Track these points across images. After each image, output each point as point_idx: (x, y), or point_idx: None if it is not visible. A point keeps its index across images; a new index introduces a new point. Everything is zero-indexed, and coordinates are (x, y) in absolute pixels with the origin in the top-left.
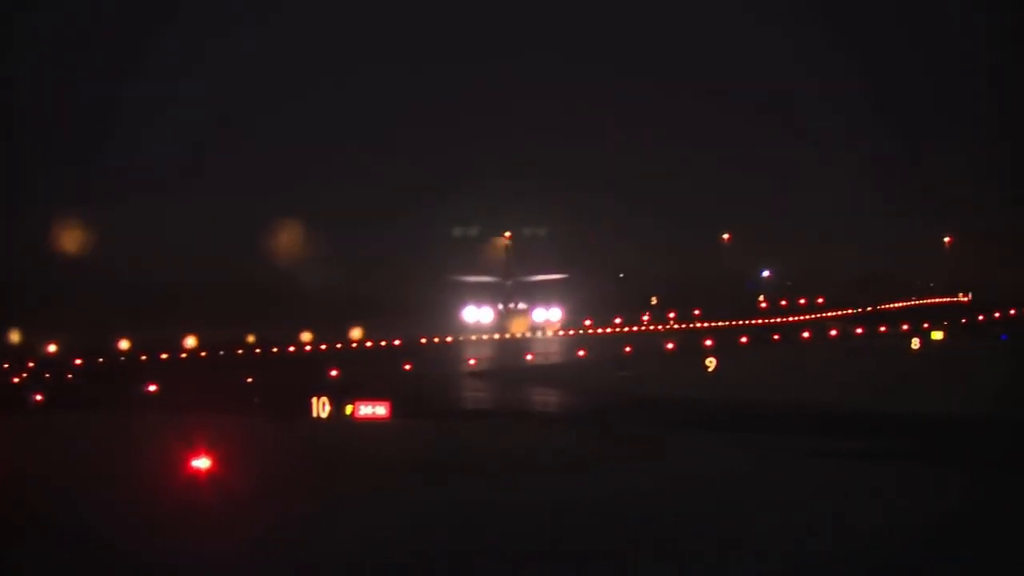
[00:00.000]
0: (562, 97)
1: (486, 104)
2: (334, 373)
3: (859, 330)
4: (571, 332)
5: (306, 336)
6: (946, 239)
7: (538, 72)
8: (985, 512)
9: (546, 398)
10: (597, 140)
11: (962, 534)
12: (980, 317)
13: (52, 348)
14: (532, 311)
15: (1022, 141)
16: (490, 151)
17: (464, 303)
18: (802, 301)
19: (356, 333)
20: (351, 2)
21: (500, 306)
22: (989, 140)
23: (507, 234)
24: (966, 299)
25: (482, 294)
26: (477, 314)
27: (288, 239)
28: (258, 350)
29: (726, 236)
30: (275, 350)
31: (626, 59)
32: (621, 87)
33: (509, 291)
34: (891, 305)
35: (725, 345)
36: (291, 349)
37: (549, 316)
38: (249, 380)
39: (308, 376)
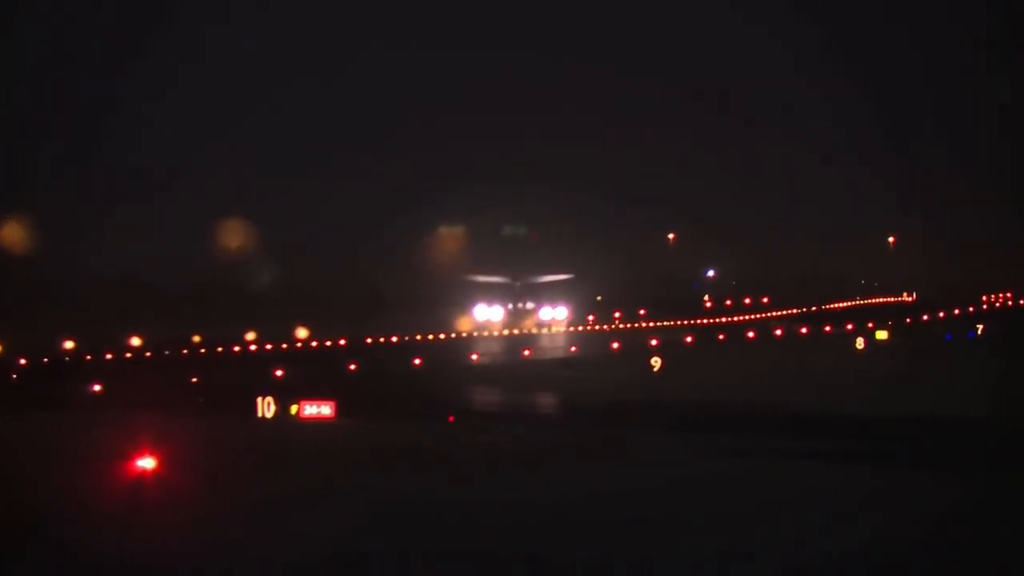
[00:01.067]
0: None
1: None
2: (279, 373)
3: (804, 330)
4: (515, 332)
5: (251, 335)
6: (890, 239)
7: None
8: (935, 512)
9: (488, 398)
10: (544, 139)
11: (916, 534)
12: (924, 317)
13: None
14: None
15: (964, 141)
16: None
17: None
18: (747, 301)
19: (302, 332)
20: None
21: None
22: (932, 140)
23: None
24: (911, 299)
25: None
26: (488, 312)
27: (235, 238)
28: (203, 350)
29: (671, 236)
30: (220, 349)
31: (585, 55)
32: (578, 84)
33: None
34: (836, 305)
35: (670, 345)
36: (236, 349)
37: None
38: (194, 380)
39: (254, 376)
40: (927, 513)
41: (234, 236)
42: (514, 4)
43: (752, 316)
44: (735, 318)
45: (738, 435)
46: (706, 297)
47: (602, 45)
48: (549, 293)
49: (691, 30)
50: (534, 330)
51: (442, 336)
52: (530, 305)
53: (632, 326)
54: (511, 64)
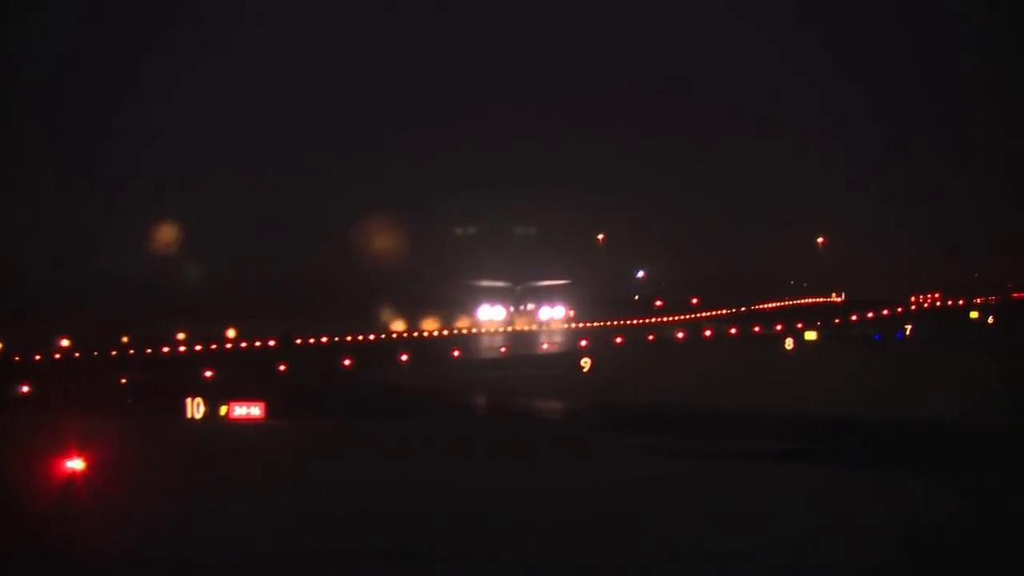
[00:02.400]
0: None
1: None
2: (209, 374)
3: (733, 330)
4: (446, 332)
5: (182, 336)
6: (819, 240)
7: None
8: (860, 507)
9: (418, 398)
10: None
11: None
12: (853, 317)
13: None
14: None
15: (894, 143)
16: None
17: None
18: (676, 302)
19: (231, 333)
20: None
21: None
22: (863, 141)
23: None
24: (840, 299)
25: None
26: (491, 312)
27: (169, 237)
28: (132, 350)
29: (600, 236)
30: (149, 350)
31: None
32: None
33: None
34: (765, 305)
35: (600, 345)
36: (165, 350)
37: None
38: (123, 380)
39: (183, 376)
40: (859, 509)
41: (165, 235)
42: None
43: (681, 316)
44: (664, 319)
45: (664, 435)
46: (636, 297)
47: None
48: (547, 295)
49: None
50: (465, 331)
51: (372, 337)
52: (530, 306)
53: (564, 327)
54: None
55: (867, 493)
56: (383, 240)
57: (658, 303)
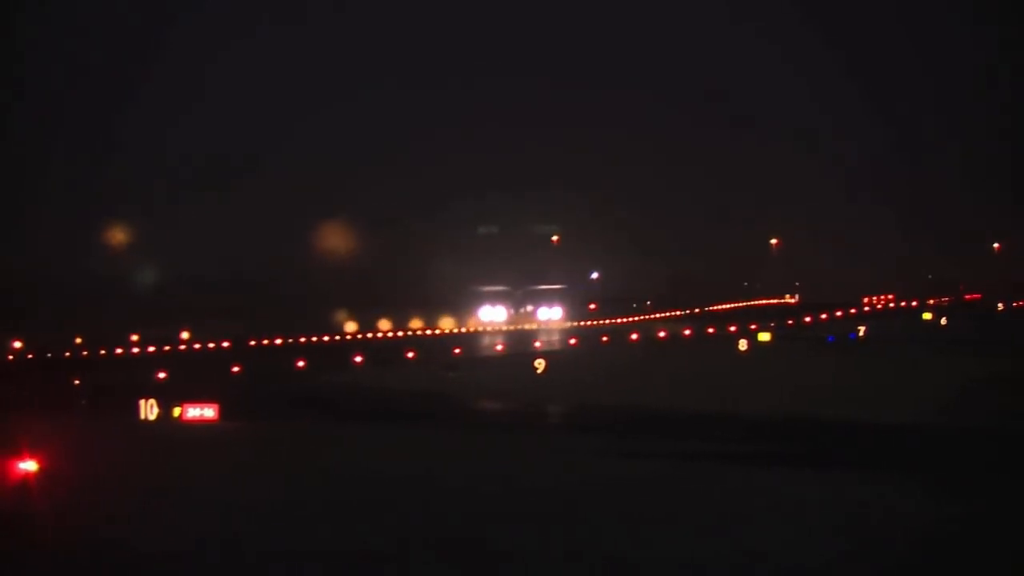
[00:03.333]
0: None
1: None
2: (162, 375)
3: (687, 331)
4: (400, 334)
5: (135, 337)
6: (773, 241)
7: None
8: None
9: (373, 400)
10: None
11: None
12: (807, 319)
13: None
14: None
15: (848, 143)
16: None
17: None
18: (631, 303)
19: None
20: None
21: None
22: (817, 141)
23: None
24: (793, 301)
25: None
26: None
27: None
28: (86, 351)
29: (555, 238)
30: (103, 351)
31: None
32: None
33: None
34: (719, 306)
35: (555, 346)
36: (119, 351)
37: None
38: (76, 381)
39: (136, 378)
40: (818, 510)
41: (117, 236)
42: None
43: (635, 318)
44: (619, 320)
45: (623, 436)
46: (591, 303)
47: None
48: (545, 297)
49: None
50: (419, 333)
51: (326, 338)
52: (530, 307)
53: (518, 328)
54: None
55: (828, 494)
56: (341, 241)
57: (592, 306)
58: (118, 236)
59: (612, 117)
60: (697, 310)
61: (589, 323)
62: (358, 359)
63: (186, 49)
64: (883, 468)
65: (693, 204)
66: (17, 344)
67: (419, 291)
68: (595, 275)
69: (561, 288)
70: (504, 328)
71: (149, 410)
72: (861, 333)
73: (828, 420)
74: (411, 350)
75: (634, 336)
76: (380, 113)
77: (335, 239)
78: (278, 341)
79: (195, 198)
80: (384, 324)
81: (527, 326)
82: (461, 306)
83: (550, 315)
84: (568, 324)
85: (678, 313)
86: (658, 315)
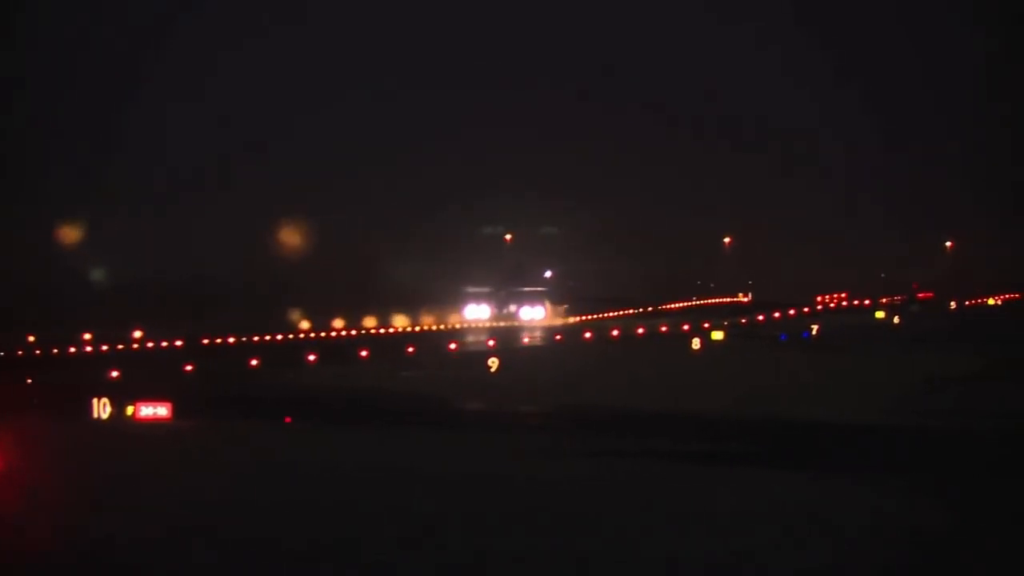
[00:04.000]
0: None
1: None
2: (115, 374)
3: (640, 330)
4: (353, 332)
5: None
6: (726, 239)
7: None
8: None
9: (327, 400)
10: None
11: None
12: (760, 317)
13: None
14: None
15: (800, 142)
16: None
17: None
18: (583, 301)
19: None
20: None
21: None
22: (768, 139)
23: None
24: (746, 299)
25: None
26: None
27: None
28: (38, 350)
29: (508, 236)
30: (55, 350)
31: None
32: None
33: None
34: (672, 305)
35: (507, 345)
36: (71, 350)
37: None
38: (28, 380)
39: (89, 377)
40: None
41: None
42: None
43: (589, 316)
44: (571, 319)
45: (569, 435)
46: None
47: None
48: (528, 297)
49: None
50: (372, 332)
51: (280, 337)
52: (512, 307)
53: (468, 326)
54: None
55: (782, 493)
56: (296, 240)
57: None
58: (71, 234)
59: (572, 116)
60: (650, 308)
61: (539, 321)
62: (311, 357)
63: (166, 49)
64: (837, 467)
65: (651, 200)
66: None
67: (402, 291)
68: (548, 273)
69: (543, 289)
70: (459, 327)
71: (102, 409)
72: (814, 332)
73: (780, 418)
74: (365, 348)
75: (587, 334)
76: (363, 116)
77: (295, 239)
78: (231, 340)
79: (169, 198)
80: (338, 323)
81: (479, 325)
82: (445, 305)
83: (532, 314)
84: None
85: (631, 312)
86: (612, 314)
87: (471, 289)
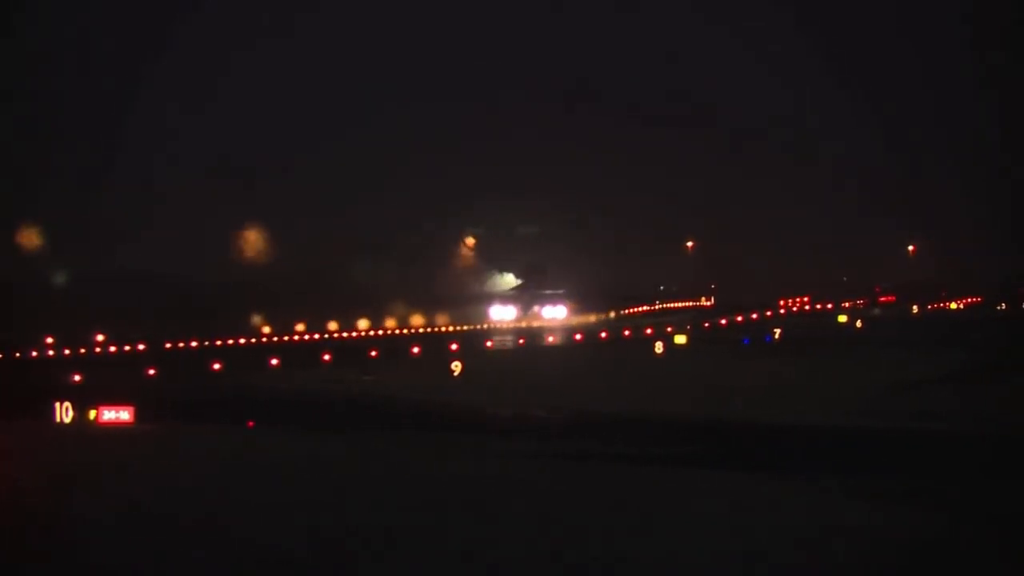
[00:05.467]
0: None
1: None
2: (77, 378)
3: (603, 334)
4: (315, 336)
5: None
6: (688, 243)
7: None
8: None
9: (284, 405)
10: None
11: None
12: (723, 321)
13: None
14: None
15: (754, 146)
16: None
17: None
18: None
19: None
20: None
21: None
22: (723, 143)
23: None
24: (709, 303)
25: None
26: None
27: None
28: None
29: (470, 240)
30: (17, 354)
31: None
32: None
33: None
34: (635, 309)
35: (471, 348)
36: (34, 353)
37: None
38: None
39: (51, 380)
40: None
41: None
42: None
43: (552, 321)
44: (534, 323)
45: (536, 439)
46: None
47: None
48: (550, 298)
49: None
50: (334, 335)
51: (242, 341)
52: (536, 307)
53: (433, 330)
54: None
55: (742, 495)
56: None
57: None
58: (32, 236)
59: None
60: (612, 313)
61: (501, 324)
62: (274, 361)
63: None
64: (799, 469)
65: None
66: None
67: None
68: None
69: (561, 291)
70: (421, 331)
71: (64, 413)
72: (776, 335)
73: (743, 422)
74: (327, 352)
75: (551, 338)
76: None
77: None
78: (194, 344)
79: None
80: (298, 326)
81: (441, 328)
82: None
83: (555, 313)
84: (483, 326)
85: (592, 319)
86: (575, 320)
87: (498, 291)
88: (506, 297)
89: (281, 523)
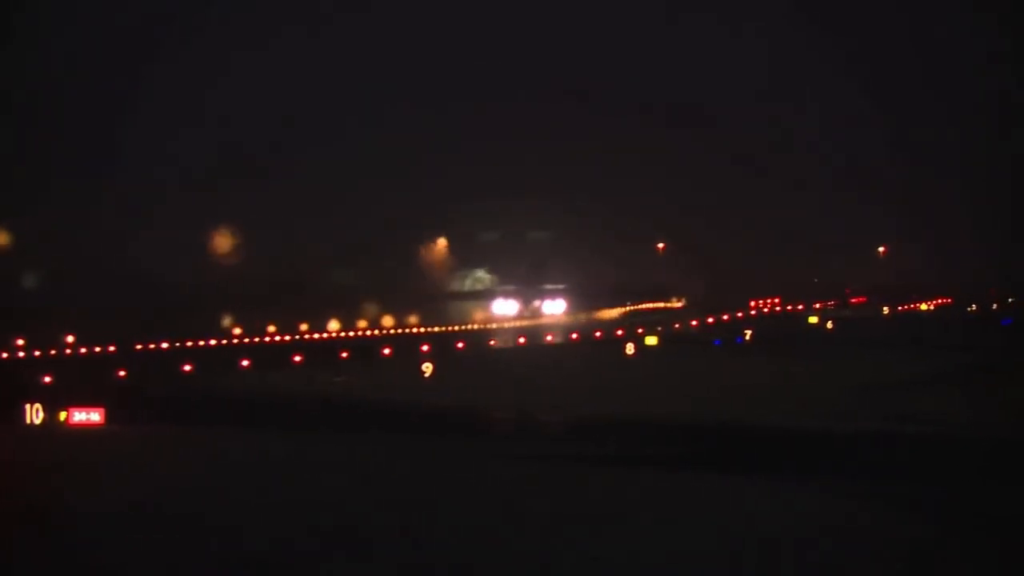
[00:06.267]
0: None
1: None
2: (48, 379)
3: (574, 335)
4: (287, 337)
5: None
6: (659, 245)
7: None
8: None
9: (256, 400)
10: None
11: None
12: (694, 322)
13: None
14: None
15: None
16: None
17: None
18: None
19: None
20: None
21: None
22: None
23: None
24: (679, 304)
25: None
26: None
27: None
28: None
29: (441, 243)
30: None
31: None
32: None
33: None
34: (607, 311)
35: (442, 350)
36: (4, 355)
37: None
38: None
39: (21, 382)
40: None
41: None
42: None
43: (524, 322)
44: (506, 324)
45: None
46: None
47: None
48: (549, 294)
49: None
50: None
51: (213, 342)
52: (536, 303)
53: (403, 332)
54: None
55: (709, 496)
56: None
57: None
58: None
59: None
60: (583, 315)
61: (476, 326)
62: (245, 363)
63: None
64: (769, 470)
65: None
66: None
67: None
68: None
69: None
70: (391, 333)
71: (35, 414)
72: (748, 336)
73: (713, 423)
74: (298, 354)
75: (522, 339)
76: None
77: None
78: (164, 345)
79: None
80: (271, 328)
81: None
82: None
83: (554, 308)
84: (455, 328)
85: (563, 319)
86: (546, 320)
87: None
88: (507, 292)
89: (244, 522)
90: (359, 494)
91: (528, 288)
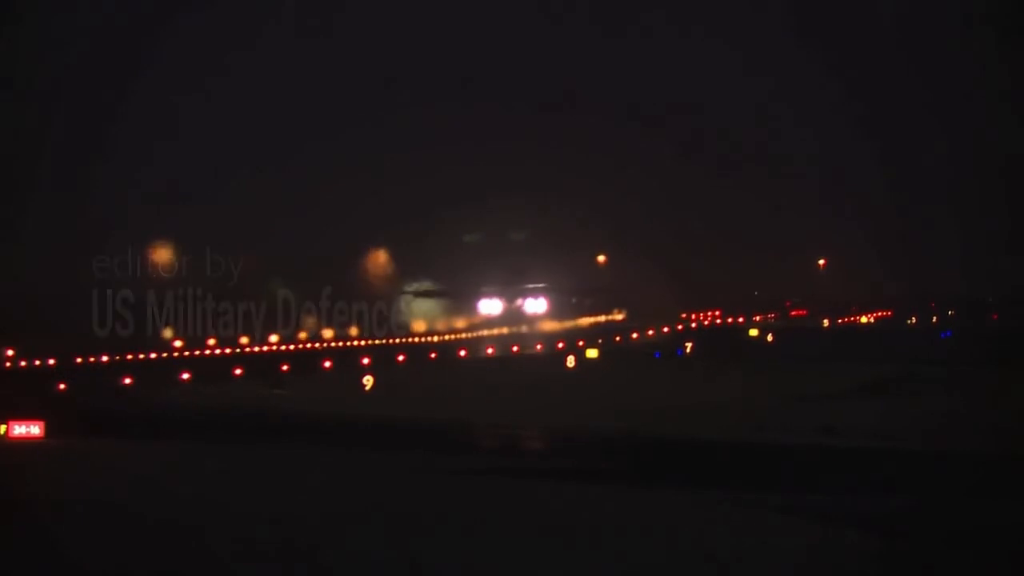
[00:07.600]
0: None
1: None
2: None
3: (515, 348)
4: (227, 350)
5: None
6: (600, 257)
7: None
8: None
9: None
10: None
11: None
12: (634, 335)
13: None
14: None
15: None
16: None
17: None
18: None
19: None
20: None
21: None
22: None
23: None
24: (620, 317)
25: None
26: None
27: None
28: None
29: (382, 251)
30: None
31: None
32: None
33: None
34: (547, 324)
35: (382, 363)
36: None
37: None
38: None
39: None
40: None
41: None
42: None
43: (464, 335)
44: (447, 337)
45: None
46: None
47: None
48: (531, 294)
49: None
50: (245, 350)
51: (153, 355)
52: (519, 302)
53: (344, 344)
54: None
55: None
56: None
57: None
58: None
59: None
60: (524, 328)
61: (415, 339)
62: (185, 376)
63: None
64: (707, 483)
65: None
66: None
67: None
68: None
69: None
70: (332, 345)
71: None
72: (688, 349)
73: (651, 436)
74: (238, 367)
75: (463, 352)
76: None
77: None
78: (104, 359)
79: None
80: (212, 341)
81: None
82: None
83: (536, 307)
84: (395, 340)
85: (507, 331)
86: (486, 332)
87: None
88: (491, 292)
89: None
90: (256, 504)
91: (468, 299)
